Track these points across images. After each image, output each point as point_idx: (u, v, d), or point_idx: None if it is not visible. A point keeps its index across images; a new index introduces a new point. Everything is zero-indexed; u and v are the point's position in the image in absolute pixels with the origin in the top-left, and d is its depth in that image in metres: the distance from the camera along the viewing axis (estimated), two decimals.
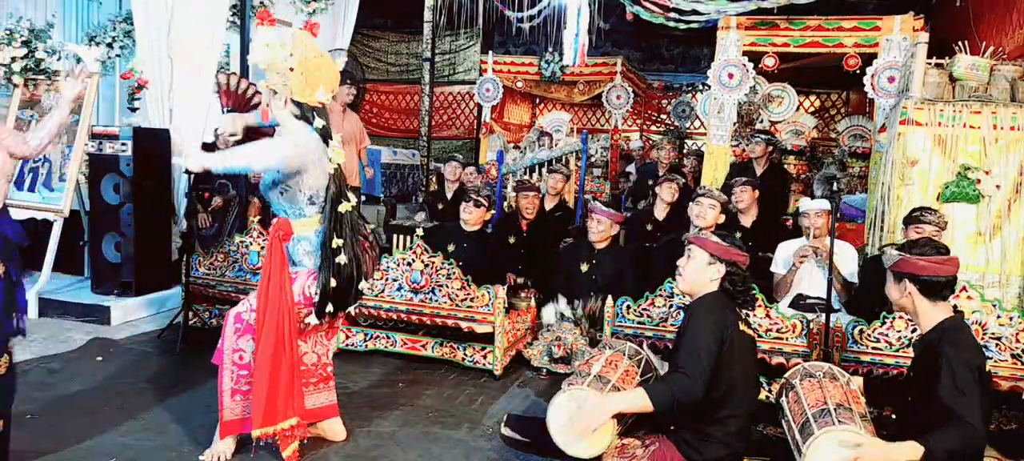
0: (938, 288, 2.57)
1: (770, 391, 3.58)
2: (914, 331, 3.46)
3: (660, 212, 5.62)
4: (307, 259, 3.01)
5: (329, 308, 2.96)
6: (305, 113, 2.94)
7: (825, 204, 4.23)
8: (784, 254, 4.42)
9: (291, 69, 2.83)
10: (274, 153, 2.85)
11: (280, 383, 2.93)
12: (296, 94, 2.88)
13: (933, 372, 2.45)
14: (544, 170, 6.98)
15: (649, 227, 5.62)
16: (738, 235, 5.03)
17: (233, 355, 3.00)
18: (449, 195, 6.36)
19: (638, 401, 2.64)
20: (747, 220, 5.23)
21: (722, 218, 4.47)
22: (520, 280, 4.75)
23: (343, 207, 2.99)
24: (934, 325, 2.58)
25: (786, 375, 2.99)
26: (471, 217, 4.80)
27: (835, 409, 2.56)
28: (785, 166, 8.15)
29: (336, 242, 2.94)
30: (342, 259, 2.95)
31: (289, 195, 2.96)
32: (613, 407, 2.65)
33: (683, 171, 7.60)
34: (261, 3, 6.64)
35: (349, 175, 6.07)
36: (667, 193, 5.56)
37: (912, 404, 2.46)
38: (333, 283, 2.94)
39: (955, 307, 3.21)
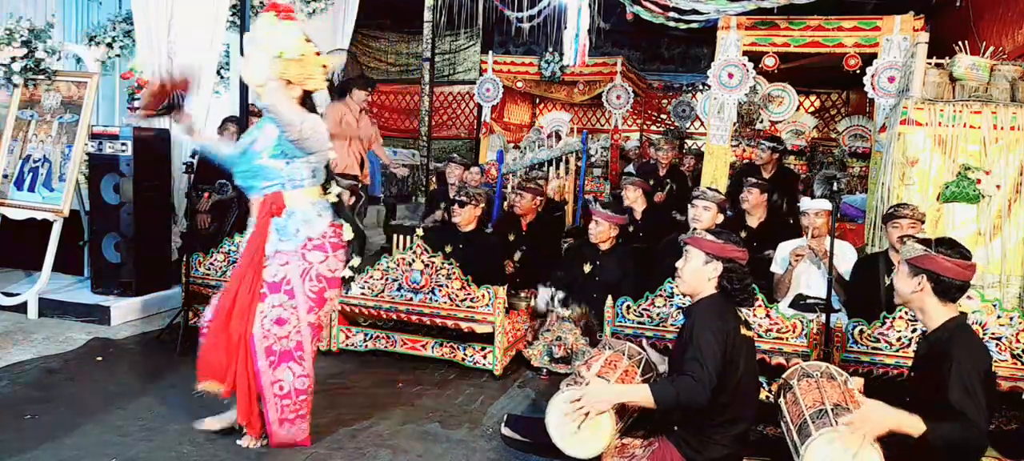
0: (953, 290, 2.55)
1: (770, 391, 3.58)
2: (915, 331, 3.46)
3: (637, 210, 5.75)
4: (304, 229, 3.04)
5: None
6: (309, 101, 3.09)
7: (825, 204, 4.21)
8: (783, 254, 4.41)
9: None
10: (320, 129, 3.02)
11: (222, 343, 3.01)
12: (309, 84, 3.04)
13: (938, 372, 2.45)
14: (547, 169, 7.00)
15: (631, 229, 5.66)
16: (743, 235, 5.04)
17: (273, 387, 3.03)
18: (451, 195, 6.40)
19: (640, 395, 2.67)
20: (754, 221, 5.23)
21: (721, 218, 4.46)
22: (517, 260, 4.70)
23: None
24: (940, 324, 2.57)
25: (784, 375, 2.99)
26: (463, 218, 4.78)
27: (832, 410, 2.56)
28: (786, 166, 8.14)
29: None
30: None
31: (293, 165, 3.02)
32: (615, 396, 2.68)
33: (682, 170, 7.60)
34: (261, 2, 6.63)
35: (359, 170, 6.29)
36: (630, 194, 5.72)
37: (911, 404, 2.46)
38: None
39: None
